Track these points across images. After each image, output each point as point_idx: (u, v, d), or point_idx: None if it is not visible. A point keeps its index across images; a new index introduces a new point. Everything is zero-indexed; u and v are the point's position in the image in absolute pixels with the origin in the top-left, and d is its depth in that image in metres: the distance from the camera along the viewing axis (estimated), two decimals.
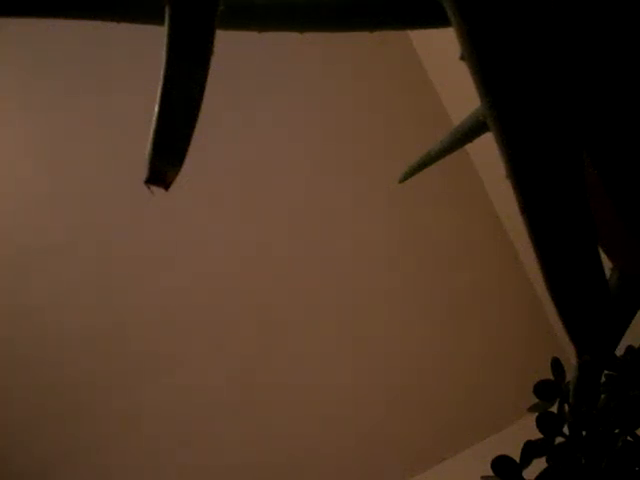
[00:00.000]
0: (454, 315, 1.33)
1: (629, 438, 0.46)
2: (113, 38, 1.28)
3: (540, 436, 0.49)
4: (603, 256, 0.29)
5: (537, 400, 0.53)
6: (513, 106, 0.23)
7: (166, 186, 0.26)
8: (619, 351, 0.48)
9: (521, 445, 0.48)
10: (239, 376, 1.28)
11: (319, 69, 1.37)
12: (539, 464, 0.47)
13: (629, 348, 0.50)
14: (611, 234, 0.31)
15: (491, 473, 0.48)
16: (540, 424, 0.49)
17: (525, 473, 0.48)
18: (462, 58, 0.23)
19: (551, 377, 0.53)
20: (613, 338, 0.39)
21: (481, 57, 0.22)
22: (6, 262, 1.28)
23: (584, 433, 0.47)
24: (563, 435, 0.49)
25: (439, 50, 1.26)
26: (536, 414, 0.50)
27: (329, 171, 1.35)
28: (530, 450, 0.48)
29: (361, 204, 1.35)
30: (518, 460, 0.48)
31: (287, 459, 1.27)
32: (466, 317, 1.33)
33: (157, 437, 1.26)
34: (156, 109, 0.26)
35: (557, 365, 0.53)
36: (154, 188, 0.26)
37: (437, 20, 0.34)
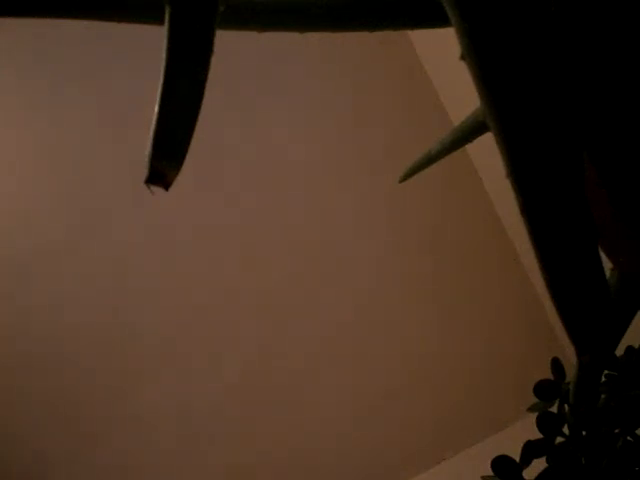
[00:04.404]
0: (454, 315, 1.33)
1: (629, 438, 0.46)
2: (113, 37, 1.28)
3: (540, 436, 0.49)
4: (603, 256, 0.29)
5: (537, 400, 0.53)
6: (513, 106, 0.23)
7: (166, 186, 0.26)
8: (619, 351, 0.48)
9: (521, 445, 0.48)
10: (240, 376, 1.28)
11: (319, 69, 1.37)
12: (539, 464, 0.47)
13: (629, 348, 0.50)
14: (611, 234, 0.31)
15: (491, 473, 0.48)
16: (540, 424, 0.49)
17: (525, 473, 0.48)
18: (462, 58, 0.23)
19: (551, 377, 0.53)
20: (613, 338, 0.39)
21: (481, 57, 0.22)
22: (6, 262, 1.28)
23: (584, 433, 0.47)
24: (563, 435, 0.49)
25: (439, 50, 1.26)
26: (536, 414, 0.50)
27: (329, 171, 1.35)
28: (530, 450, 0.48)
29: (361, 204, 1.35)
30: (518, 460, 0.48)
31: (287, 459, 1.27)
32: (466, 317, 1.33)
33: (157, 437, 1.26)
34: (156, 109, 0.26)
35: (557, 365, 0.53)
36: (154, 188, 0.26)
37: (437, 20, 0.34)
